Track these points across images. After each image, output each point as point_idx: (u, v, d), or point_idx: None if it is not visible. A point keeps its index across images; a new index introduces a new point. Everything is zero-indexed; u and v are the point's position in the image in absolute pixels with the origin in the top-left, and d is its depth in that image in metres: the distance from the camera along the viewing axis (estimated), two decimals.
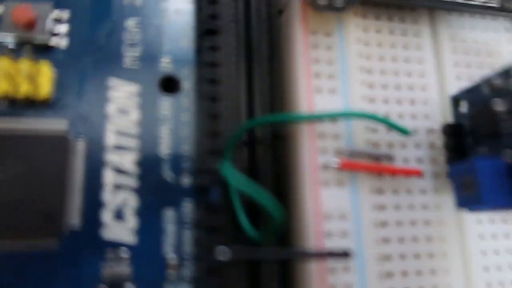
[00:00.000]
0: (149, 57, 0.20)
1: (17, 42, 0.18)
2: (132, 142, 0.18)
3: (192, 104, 0.20)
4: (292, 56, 0.21)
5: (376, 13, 0.22)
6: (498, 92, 0.18)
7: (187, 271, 0.17)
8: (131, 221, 0.17)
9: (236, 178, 0.16)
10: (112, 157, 0.18)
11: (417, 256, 0.19)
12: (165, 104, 0.19)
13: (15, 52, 0.18)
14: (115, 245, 0.17)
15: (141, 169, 0.18)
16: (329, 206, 0.19)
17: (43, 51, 0.18)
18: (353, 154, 0.20)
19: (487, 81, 0.19)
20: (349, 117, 0.20)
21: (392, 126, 0.20)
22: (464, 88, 0.20)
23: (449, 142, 0.20)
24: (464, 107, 0.20)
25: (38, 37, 0.18)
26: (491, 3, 0.23)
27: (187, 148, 0.19)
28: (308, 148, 0.19)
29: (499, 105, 0.17)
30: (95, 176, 0.18)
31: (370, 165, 0.19)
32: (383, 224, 0.19)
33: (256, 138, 0.21)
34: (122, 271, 0.17)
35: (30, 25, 0.18)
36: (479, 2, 0.22)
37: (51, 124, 0.18)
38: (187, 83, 0.20)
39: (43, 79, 0.18)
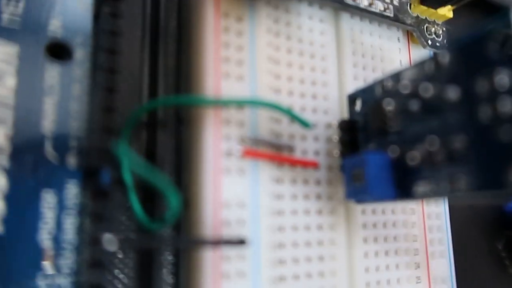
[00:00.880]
0: (35, 17, 0.17)
1: None
2: (6, 113, 0.16)
3: (86, 75, 0.17)
4: (201, 37, 0.20)
5: (287, 7, 0.22)
6: (388, 93, 0.19)
7: (67, 262, 0.15)
8: None
9: (131, 160, 0.14)
10: None
11: (308, 244, 0.20)
12: (52, 72, 0.17)
13: None
14: None
15: (16, 146, 0.15)
16: (229, 194, 0.19)
17: None
18: (256, 142, 0.20)
19: (380, 83, 0.20)
20: (256, 105, 0.20)
21: (295, 118, 0.20)
22: (359, 88, 0.22)
23: (343, 137, 0.21)
24: (358, 106, 0.22)
25: None
26: (387, 12, 0.25)
27: (76, 124, 0.17)
28: (212, 134, 0.19)
29: (388, 105, 0.18)
30: None
31: (272, 155, 0.20)
32: (280, 213, 0.20)
33: (157, 120, 0.20)
34: None
35: None
36: (378, 10, 0.24)
37: None
38: (81, 51, 0.18)
39: None
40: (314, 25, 0.23)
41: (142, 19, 0.21)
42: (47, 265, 0.15)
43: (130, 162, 0.15)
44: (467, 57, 0.16)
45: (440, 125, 0.17)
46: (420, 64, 0.18)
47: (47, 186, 0.16)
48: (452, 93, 0.16)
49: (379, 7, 0.24)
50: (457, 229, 0.27)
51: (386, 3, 0.25)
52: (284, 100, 0.21)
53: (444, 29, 0.27)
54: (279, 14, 0.22)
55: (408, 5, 0.26)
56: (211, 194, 0.18)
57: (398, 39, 0.26)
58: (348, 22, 0.25)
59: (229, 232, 0.18)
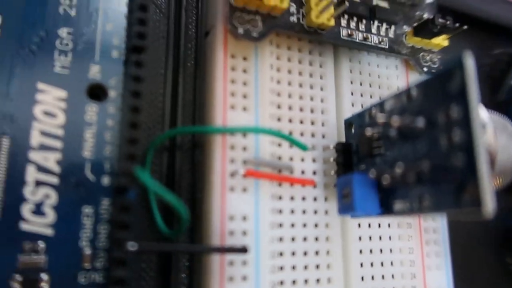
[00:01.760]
0: (80, 65, 0.21)
1: None
2: (56, 143, 0.20)
3: (118, 111, 0.22)
4: (212, 75, 0.24)
5: (289, 44, 0.26)
6: (372, 120, 0.22)
7: (100, 261, 0.19)
8: (50, 215, 0.19)
9: (148, 181, 0.18)
10: (35, 156, 0.19)
11: (305, 253, 0.23)
12: (91, 110, 0.21)
13: None
14: (33, 237, 0.19)
15: (63, 168, 0.20)
16: (233, 208, 0.22)
17: None
18: (259, 164, 0.23)
19: (368, 110, 0.23)
20: (257, 132, 0.23)
21: (293, 143, 0.24)
22: (354, 114, 0.25)
23: (339, 158, 0.24)
24: (353, 130, 0.25)
25: None
26: (382, 45, 0.27)
27: (109, 151, 0.21)
28: (219, 157, 0.22)
29: (371, 131, 0.21)
30: (18, 172, 0.19)
31: (270, 174, 0.23)
32: (279, 225, 0.23)
33: (176, 145, 0.24)
34: (38, 262, 0.19)
35: None
36: (373, 43, 0.27)
37: None
38: (114, 92, 0.22)
39: None
40: (314, 59, 0.26)
41: (165, 61, 0.25)
42: (85, 263, 0.19)
43: (148, 183, 0.19)
44: (430, 91, 0.18)
45: (411, 150, 0.19)
46: (397, 96, 0.20)
47: (86, 201, 0.20)
48: (420, 122, 0.18)
49: (374, 40, 0.27)
50: (462, 243, 0.29)
51: (381, 36, 0.27)
52: (285, 126, 0.24)
53: (439, 56, 0.29)
54: (281, 51, 0.25)
55: (404, 37, 0.28)
56: (218, 209, 0.22)
57: (396, 67, 0.29)
58: (346, 54, 0.27)
59: (233, 241, 0.21)
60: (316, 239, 0.24)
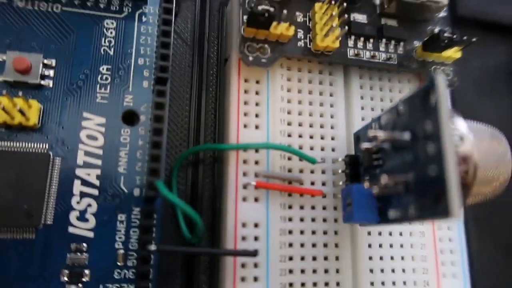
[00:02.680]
0: (116, 95, 0.26)
1: (14, 83, 0.24)
2: (97, 161, 0.24)
3: (147, 133, 0.25)
4: (228, 98, 0.27)
5: (299, 66, 0.28)
6: (367, 134, 0.23)
7: (131, 260, 0.23)
8: (92, 221, 0.23)
9: (167, 193, 0.21)
10: (81, 172, 0.24)
11: (314, 258, 0.25)
12: (125, 132, 0.25)
13: (13, 91, 0.24)
14: (78, 239, 0.23)
15: (102, 182, 0.24)
16: (246, 216, 0.24)
17: (34, 90, 0.24)
18: (269, 176, 0.25)
19: (369, 125, 0.24)
20: (268, 148, 0.26)
21: (302, 156, 0.26)
22: (361, 128, 0.26)
23: (347, 169, 0.26)
24: (361, 143, 0.26)
25: (31, 80, 0.24)
26: (390, 61, 0.29)
27: (140, 167, 0.25)
28: (233, 170, 0.25)
29: (365, 145, 0.23)
30: (67, 186, 0.23)
31: (280, 186, 0.25)
32: (289, 232, 0.25)
33: (199, 159, 0.27)
34: (82, 260, 0.23)
35: (26, 71, 0.24)
36: (382, 60, 0.28)
37: (37, 145, 0.24)
38: (144, 116, 0.26)
39: (32, 111, 0.23)
40: (324, 78, 0.28)
41: (190, 87, 0.28)
42: (119, 261, 0.23)
43: (168, 195, 0.22)
44: (412, 107, 0.20)
45: (400, 162, 0.20)
46: (390, 110, 0.22)
47: (121, 209, 0.24)
48: (406, 136, 0.20)
49: (382, 57, 0.28)
50: (482, 252, 0.29)
51: (389, 53, 0.29)
52: (295, 142, 0.27)
53: (451, 68, 0.29)
54: (292, 73, 0.28)
55: (414, 52, 0.29)
56: (233, 216, 0.24)
57: (408, 80, 0.30)
58: (356, 71, 0.29)
59: (246, 246, 0.24)
60: (325, 245, 0.25)
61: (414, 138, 0.19)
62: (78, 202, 0.23)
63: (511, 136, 0.23)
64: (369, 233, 0.26)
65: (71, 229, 0.23)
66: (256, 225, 0.25)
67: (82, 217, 0.23)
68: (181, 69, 0.29)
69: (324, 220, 0.26)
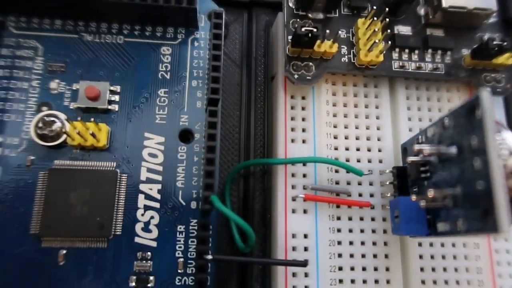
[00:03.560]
0: (173, 116, 0.28)
1: (86, 109, 0.27)
2: (158, 177, 0.27)
3: (202, 150, 0.27)
4: (276, 114, 0.28)
5: (344, 80, 0.29)
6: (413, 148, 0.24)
7: (190, 268, 0.25)
8: (155, 232, 0.25)
9: (220, 206, 0.23)
10: (144, 187, 0.26)
11: (364, 268, 0.25)
12: (182, 150, 0.27)
13: (85, 116, 0.27)
14: (144, 249, 0.25)
15: (163, 196, 0.26)
16: (295, 227, 0.26)
17: (102, 114, 0.27)
18: (319, 189, 0.26)
19: (416, 137, 0.25)
20: (315, 162, 0.27)
21: (349, 169, 0.26)
22: (408, 139, 0.26)
23: (395, 181, 0.26)
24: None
25: (100, 106, 0.27)
26: (438, 71, 0.28)
27: (196, 181, 0.27)
28: (282, 184, 0.26)
29: (411, 159, 0.23)
30: (132, 200, 0.26)
31: (328, 198, 0.26)
32: (338, 242, 0.26)
33: (250, 173, 0.29)
34: (147, 267, 0.25)
35: (96, 98, 0.27)
36: (428, 70, 0.28)
37: (106, 164, 0.27)
38: (198, 134, 0.28)
39: (102, 133, 0.26)
40: (369, 91, 0.29)
41: (239, 104, 0.30)
42: (179, 269, 0.25)
43: (221, 208, 0.24)
44: (458, 121, 0.20)
45: (448, 175, 0.21)
46: (436, 124, 0.22)
47: (180, 221, 0.26)
48: (453, 150, 0.20)
49: (428, 67, 0.28)
50: None
51: (436, 63, 0.28)
52: (342, 155, 0.27)
53: (503, 75, 0.29)
54: (337, 87, 0.29)
55: (462, 60, 0.29)
56: (283, 228, 0.26)
57: (457, 89, 0.30)
58: (402, 82, 0.29)
59: (296, 256, 0.25)
60: (375, 256, 0.26)
61: (461, 152, 0.19)
62: (142, 215, 0.26)
63: None
64: (419, 244, 0.26)
65: (137, 239, 0.25)
66: (305, 236, 0.26)
67: (146, 228, 0.26)
68: (231, 88, 0.31)
69: (373, 231, 0.26)
